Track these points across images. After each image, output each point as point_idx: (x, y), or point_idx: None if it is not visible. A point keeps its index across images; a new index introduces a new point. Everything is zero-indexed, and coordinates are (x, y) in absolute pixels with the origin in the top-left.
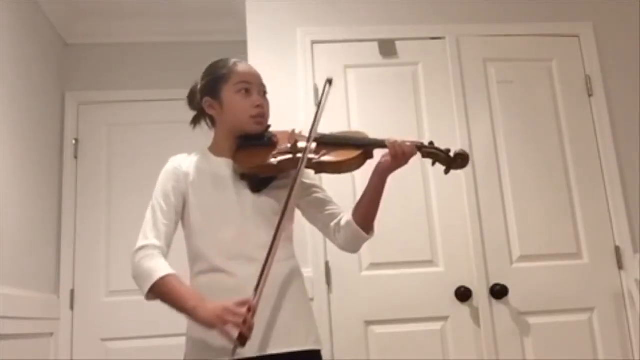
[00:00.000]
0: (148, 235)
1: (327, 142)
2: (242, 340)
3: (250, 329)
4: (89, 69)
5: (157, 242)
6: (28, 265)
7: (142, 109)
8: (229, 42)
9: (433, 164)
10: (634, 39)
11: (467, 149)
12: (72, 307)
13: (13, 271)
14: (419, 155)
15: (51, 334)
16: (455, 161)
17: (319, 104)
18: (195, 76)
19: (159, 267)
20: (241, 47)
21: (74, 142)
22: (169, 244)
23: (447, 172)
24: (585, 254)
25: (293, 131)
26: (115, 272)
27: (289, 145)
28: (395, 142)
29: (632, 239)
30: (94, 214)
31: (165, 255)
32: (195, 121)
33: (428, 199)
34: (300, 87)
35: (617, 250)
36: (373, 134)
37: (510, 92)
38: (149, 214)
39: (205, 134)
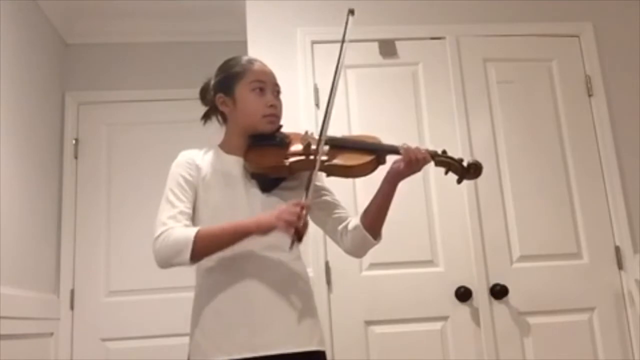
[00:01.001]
0: (166, 222)
1: (339, 145)
2: (299, 235)
3: (306, 225)
4: (89, 69)
5: (177, 225)
6: (28, 265)
7: (142, 109)
8: (229, 42)
9: (446, 172)
10: (634, 39)
11: (467, 149)
12: (72, 307)
13: (13, 271)
14: (431, 163)
15: (51, 334)
16: (468, 171)
17: (342, 38)
18: (195, 76)
19: (189, 229)
20: (241, 47)
21: (74, 142)
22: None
23: (459, 181)
24: (585, 254)
25: (306, 133)
26: (115, 272)
27: (301, 147)
28: (409, 148)
29: (632, 239)
30: (94, 214)
31: None
32: (206, 117)
33: (428, 199)
34: (300, 87)
35: (617, 250)
36: (372, 133)
37: (510, 92)
38: (164, 203)
39: (206, 134)
